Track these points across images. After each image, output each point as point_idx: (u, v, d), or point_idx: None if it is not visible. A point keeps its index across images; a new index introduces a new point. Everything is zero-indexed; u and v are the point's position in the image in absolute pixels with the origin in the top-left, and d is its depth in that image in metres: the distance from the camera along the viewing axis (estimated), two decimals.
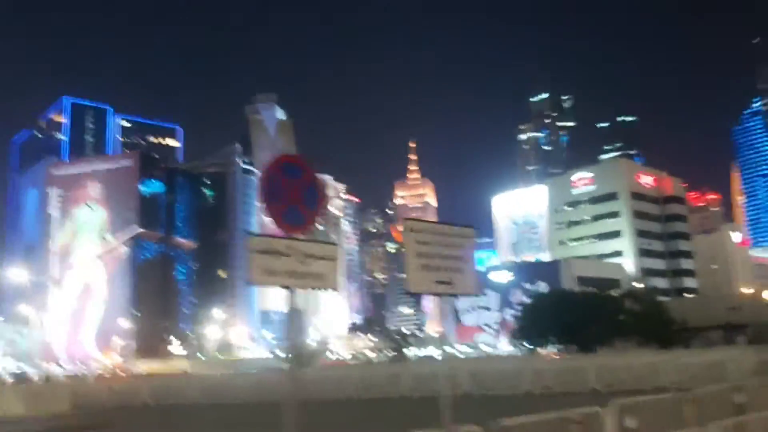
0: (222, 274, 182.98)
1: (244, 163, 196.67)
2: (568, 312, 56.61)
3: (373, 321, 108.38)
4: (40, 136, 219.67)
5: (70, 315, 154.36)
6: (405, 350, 74.51)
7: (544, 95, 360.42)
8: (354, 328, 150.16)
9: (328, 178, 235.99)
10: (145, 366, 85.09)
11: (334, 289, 8.92)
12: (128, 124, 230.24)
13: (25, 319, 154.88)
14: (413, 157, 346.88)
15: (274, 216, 8.72)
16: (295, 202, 8.75)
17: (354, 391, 24.50)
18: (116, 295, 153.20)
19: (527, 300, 70.97)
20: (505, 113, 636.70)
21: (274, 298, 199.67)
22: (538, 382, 21.99)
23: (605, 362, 24.77)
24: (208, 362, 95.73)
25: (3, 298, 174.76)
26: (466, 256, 9.27)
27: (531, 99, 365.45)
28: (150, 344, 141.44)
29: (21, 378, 75.95)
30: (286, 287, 8.33)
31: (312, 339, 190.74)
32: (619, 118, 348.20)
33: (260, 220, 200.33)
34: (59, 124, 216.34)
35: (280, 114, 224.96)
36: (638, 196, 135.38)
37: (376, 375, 25.31)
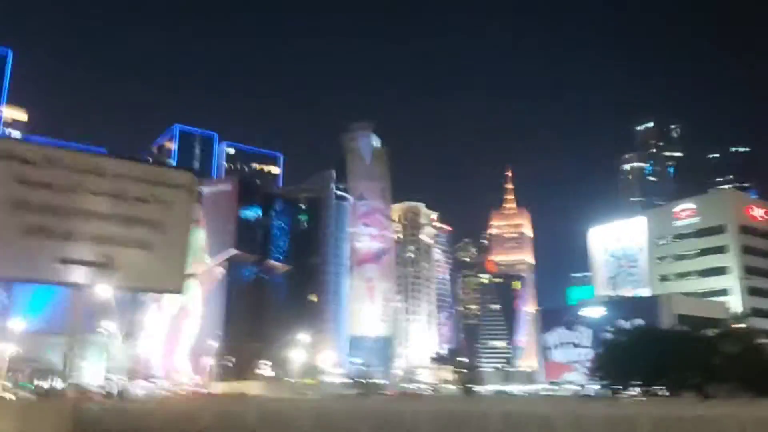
0: (313, 298, 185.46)
1: (339, 189, 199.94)
2: (654, 351, 52.11)
3: (456, 352, 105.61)
4: (150, 161, 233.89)
5: (168, 332, 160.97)
6: (478, 386, 71.36)
7: (650, 123, 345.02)
8: (438, 359, 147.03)
9: (420, 206, 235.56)
10: (222, 386, 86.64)
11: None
12: (232, 151, 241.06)
13: (127, 334, 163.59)
14: (509, 186, 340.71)
15: None
16: None
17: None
18: (210, 315, 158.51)
19: (610, 336, 65.99)
20: (606, 141, 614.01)
21: (365, 324, 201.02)
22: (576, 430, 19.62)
23: (663, 413, 21.85)
24: (286, 385, 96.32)
25: (108, 312, 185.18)
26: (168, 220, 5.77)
27: (636, 127, 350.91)
28: (240, 365, 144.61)
29: (108, 392, 79.09)
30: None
31: (397, 367, 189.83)
32: (732, 149, 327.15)
33: (352, 245, 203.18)
34: (170, 150, 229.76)
35: (376, 142, 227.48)
36: (748, 230, 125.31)
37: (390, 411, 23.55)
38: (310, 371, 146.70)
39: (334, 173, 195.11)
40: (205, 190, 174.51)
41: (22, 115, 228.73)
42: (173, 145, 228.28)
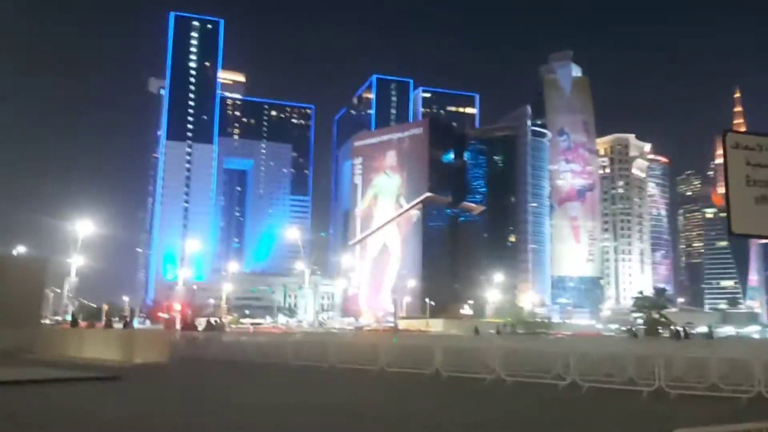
0: (512, 239, 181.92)
1: (536, 125, 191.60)
2: None
3: (662, 292, 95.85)
4: (353, 112, 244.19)
5: (371, 273, 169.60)
6: (669, 329, 64.01)
7: None
8: (641, 299, 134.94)
9: (629, 137, 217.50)
10: (404, 324, 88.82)
11: None
12: (428, 95, 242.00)
13: (338, 274, 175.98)
14: (738, 109, 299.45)
15: None
16: None
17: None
18: (409, 257, 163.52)
19: None
20: None
21: (569, 264, 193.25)
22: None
23: None
24: (468, 324, 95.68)
25: (324, 258, 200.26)
26: None
27: None
28: (441, 304, 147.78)
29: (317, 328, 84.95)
30: None
31: (607, 308, 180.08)
32: None
33: (553, 183, 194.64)
34: (369, 100, 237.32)
35: (576, 71, 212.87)
36: None
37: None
38: (510, 311, 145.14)
39: (529, 109, 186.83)
40: (398, 135, 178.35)
41: (240, 78, 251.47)
42: (371, 95, 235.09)
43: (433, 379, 17.23)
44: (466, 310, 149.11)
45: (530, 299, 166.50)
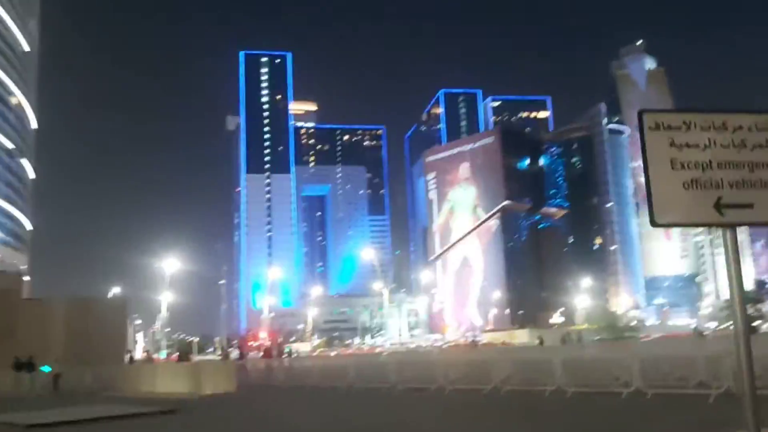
0: (598, 240, 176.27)
1: (613, 122, 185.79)
2: None
3: (762, 285, 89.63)
4: (423, 129, 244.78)
5: (454, 287, 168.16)
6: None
7: None
8: (747, 295, 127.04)
9: None
10: (488, 337, 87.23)
11: None
12: (497, 104, 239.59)
13: (421, 291, 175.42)
14: None
15: None
16: None
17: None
18: (491, 267, 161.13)
19: None
20: None
21: (661, 263, 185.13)
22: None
23: None
24: (556, 333, 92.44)
25: (405, 276, 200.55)
26: None
27: None
28: (529, 314, 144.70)
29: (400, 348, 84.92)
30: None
31: (706, 306, 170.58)
32: None
33: (636, 180, 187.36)
34: (438, 115, 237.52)
35: (650, 63, 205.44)
36: None
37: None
38: (600, 317, 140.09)
39: (603, 107, 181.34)
40: (469, 146, 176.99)
41: (311, 106, 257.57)
42: (440, 109, 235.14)
43: (489, 395, 16.71)
44: (557, 318, 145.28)
45: (623, 302, 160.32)
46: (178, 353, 55.04)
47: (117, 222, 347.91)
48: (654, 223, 3.78)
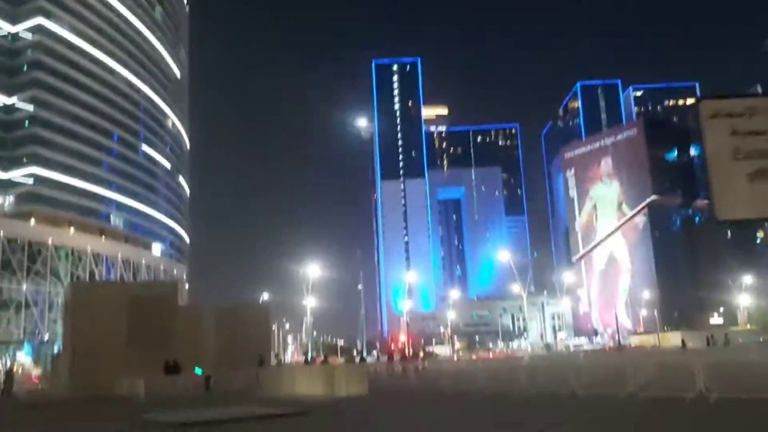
0: (760, 233, 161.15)
1: None
2: None
3: None
4: (560, 124, 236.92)
5: (600, 288, 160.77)
6: None
7: None
8: None
9: None
10: (636, 339, 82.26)
11: None
12: (640, 93, 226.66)
13: (564, 293, 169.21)
14: None
15: None
16: None
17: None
18: (639, 266, 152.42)
19: None
20: None
21: None
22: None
23: None
24: (716, 334, 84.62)
25: (546, 276, 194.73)
26: None
27: None
28: (686, 314, 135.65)
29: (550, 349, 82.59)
30: None
31: None
32: None
33: None
34: (576, 109, 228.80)
35: None
36: None
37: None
38: (761, 317, 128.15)
39: (759, 88, 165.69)
40: (610, 140, 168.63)
41: (443, 110, 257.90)
42: (577, 103, 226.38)
43: (624, 402, 15.70)
44: (716, 319, 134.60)
45: None
46: (323, 356, 57.15)
47: (266, 233, 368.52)
48: (716, 221, 3.30)
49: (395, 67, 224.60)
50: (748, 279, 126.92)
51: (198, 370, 30.49)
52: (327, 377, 22.81)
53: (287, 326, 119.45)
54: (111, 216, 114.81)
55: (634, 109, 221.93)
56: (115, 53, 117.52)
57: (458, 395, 20.11)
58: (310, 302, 79.12)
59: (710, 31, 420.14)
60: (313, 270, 74.55)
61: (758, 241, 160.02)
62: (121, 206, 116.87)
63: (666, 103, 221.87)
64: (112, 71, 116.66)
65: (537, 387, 19.00)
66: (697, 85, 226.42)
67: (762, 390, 14.05)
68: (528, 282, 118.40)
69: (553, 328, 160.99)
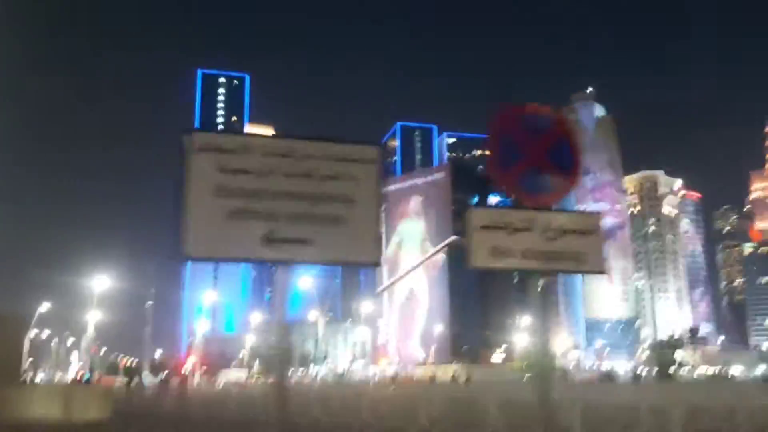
0: (540, 281, 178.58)
1: None
2: None
3: (695, 331, 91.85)
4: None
5: (399, 320, 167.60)
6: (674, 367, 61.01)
7: None
8: (668, 340, 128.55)
9: (657, 174, 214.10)
10: (422, 370, 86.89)
11: (601, 271, 6.70)
12: (452, 140, 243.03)
13: (367, 322, 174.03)
14: None
15: (507, 181, 6.70)
16: (537, 162, 6.17)
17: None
18: (436, 301, 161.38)
19: None
20: None
21: (603, 306, 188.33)
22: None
23: None
24: (491, 369, 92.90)
25: (349, 305, 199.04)
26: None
27: None
28: (473, 350, 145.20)
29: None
30: (525, 270, 6.61)
31: (644, 348, 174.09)
32: None
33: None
34: (394, 147, 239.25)
35: (599, 111, 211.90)
36: None
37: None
38: (529, 355, 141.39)
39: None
40: (421, 180, 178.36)
41: (269, 130, 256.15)
42: (396, 142, 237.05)
43: None
44: (497, 356, 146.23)
45: (563, 342, 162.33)
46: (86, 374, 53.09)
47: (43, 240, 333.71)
48: (184, 257, 3.59)
49: (222, 80, 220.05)
50: (527, 320, 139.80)
51: None
52: (66, 398, 21.18)
53: (69, 342, 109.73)
54: None
55: (447, 154, 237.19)
56: None
57: (208, 420, 19.71)
58: (94, 316, 73.42)
59: (514, 90, 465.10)
60: (101, 281, 69.24)
61: (539, 289, 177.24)
62: None
63: (474, 152, 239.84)
64: None
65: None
66: None
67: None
68: (334, 309, 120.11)
69: (354, 355, 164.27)
